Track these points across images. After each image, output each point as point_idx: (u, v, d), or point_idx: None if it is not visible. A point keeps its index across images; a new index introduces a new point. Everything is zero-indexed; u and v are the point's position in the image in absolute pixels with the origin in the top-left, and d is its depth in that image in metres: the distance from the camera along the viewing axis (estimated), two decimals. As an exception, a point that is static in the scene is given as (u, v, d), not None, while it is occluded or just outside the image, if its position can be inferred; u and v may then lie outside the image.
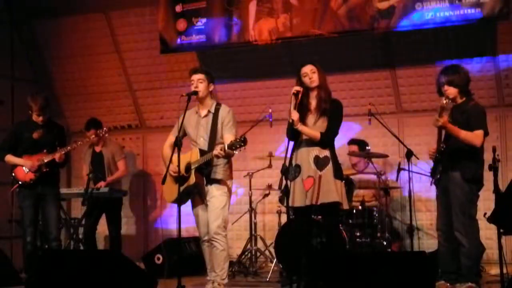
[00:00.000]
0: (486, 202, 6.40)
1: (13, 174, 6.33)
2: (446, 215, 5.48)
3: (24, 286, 6.09)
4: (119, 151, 7.93)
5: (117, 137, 9.07)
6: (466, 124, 5.34)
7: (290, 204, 5.21)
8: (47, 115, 6.38)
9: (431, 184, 5.67)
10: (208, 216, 5.51)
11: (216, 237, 5.47)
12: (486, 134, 5.39)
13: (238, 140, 5.13)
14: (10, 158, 6.34)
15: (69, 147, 6.46)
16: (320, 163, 5.21)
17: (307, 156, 5.24)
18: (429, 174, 5.75)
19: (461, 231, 5.33)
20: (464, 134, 5.29)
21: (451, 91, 5.41)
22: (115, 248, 7.69)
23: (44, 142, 6.32)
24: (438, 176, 5.55)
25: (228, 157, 5.48)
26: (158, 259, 7.36)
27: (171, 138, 5.63)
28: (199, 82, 5.55)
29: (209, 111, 5.59)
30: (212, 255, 5.57)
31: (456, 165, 5.38)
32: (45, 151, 6.28)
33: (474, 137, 5.29)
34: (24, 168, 6.33)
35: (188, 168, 5.45)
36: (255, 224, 7.45)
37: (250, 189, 7.48)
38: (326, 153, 5.24)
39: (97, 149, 7.83)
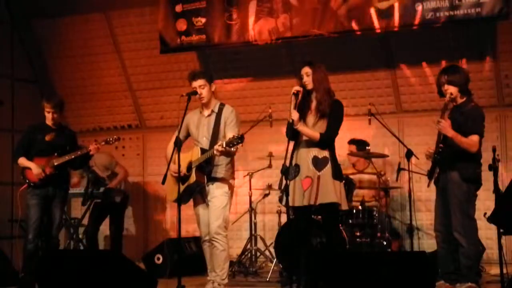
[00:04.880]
0: (486, 202, 6.41)
1: (24, 174, 6.37)
2: (444, 216, 5.48)
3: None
4: (108, 162, 7.88)
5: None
6: (464, 125, 5.35)
7: (289, 204, 5.20)
8: (58, 114, 6.41)
9: (428, 186, 5.66)
10: (209, 216, 5.52)
11: (217, 237, 5.47)
12: (481, 137, 5.41)
13: (235, 137, 5.14)
14: (22, 161, 6.41)
15: (102, 142, 6.46)
16: (319, 163, 5.20)
17: (306, 156, 5.23)
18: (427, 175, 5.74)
19: (460, 231, 5.32)
20: (462, 142, 5.29)
21: (451, 90, 5.42)
22: (116, 248, 7.71)
23: (56, 145, 6.37)
24: (436, 176, 5.56)
25: (229, 155, 5.49)
26: (158, 259, 7.36)
27: (175, 137, 5.64)
28: (201, 89, 5.56)
29: (212, 111, 5.61)
30: (212, 255, 5.57)
31: (454, 165, 5.38)
32: (56, 154, 6.32)
33: (472, 144, 5.30)
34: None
35: (189, 167, 5.46)
36: (255, 224, 7.46)
37: (250, 189, 7.48)
38: (325, 153, 5.23)
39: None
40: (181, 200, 5.29)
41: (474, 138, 5.32)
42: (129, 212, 8.85)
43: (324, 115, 5.20)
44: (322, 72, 5.30)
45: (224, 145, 5.17)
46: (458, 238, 5.33)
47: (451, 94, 5.40)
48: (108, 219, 7.91)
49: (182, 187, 5.34)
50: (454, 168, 5.38)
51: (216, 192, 5.51)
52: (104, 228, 8.12)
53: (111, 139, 6.59)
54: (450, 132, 5.28)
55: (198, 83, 5.56)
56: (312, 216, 5.63)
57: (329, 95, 5.28)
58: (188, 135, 5.75)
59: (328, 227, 5.44)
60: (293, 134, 5.24)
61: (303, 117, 5.24)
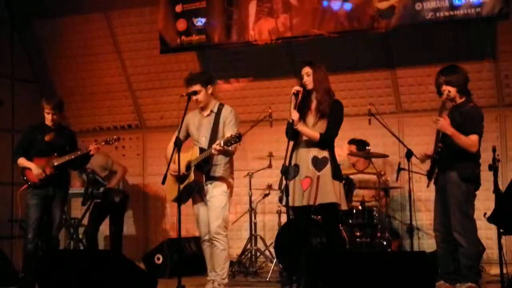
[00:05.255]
0: (486, 202, 6.41)
1: (24, 174, 6.38)
2: (443, 216, 5.47)
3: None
4: (105, 162, 7.86)
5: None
6: (463, 125, 5.34)
7: (289, 204, 5.20)
8: (58, 115, 6.41)
9: (427, 186, 5.66)
10: (208, 215, 5.52)
11: (217, 237, 5.48)
12: (480, 137, 5.40)
13: (233, 136, 5.15)
14: (22, 161, 6.41)
15: (102, 142, 6.49)
16: (318, 163, 5.20)
17: (305, 156, 5.23)
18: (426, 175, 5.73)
19: (459, 231, 5.32)
20: (461, 140, 5.28)
21: (450, 90, 5.42)
22: (116, 248, 7.71)
23: (55, 145, 6.37)
24: (435, 176, 5.55)
25: (227, 154, 5.50)
26: (158, 259, 7.37)
27: (175, 137, 5.64)
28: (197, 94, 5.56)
29: (211, 111, 5.62)
30: (212, 254, 5.57)
31: (453, 165, 5.37)
32: (55, 154, 6.32)
33: (471, 144, 5.30)
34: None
35: (188, 166, 5.47)
36: (255, 224, 7.46)
37: (250, 189, 7.48)
38: (325, 153, 5.23)
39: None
40: (180, 199, 5.29)
41: (474, 137, 5.32)
42: (129, 212, 8.85)
43: (324, 115, 5.20)
44: (322, 72, 5.30)
45: (222, 144, 5.18)
46: (457, 238, 5.33)
47: (449, 92, 5.41)
48: (108, 219, 7.91)
49: (181, 187, 5.34)
50: (453, 168, 5.38)
51: (215, 191, 5.52)
52: (104, 228, 8.11)
53: (111, 139, 6.60)
54: (450, 130, 5.27)
55: (193, 88, 5.56)
56: (312, 216, 5.62)
57: (329, 95, 5.28)
58: (188, 135, 5.76)
59: (328, 227, 5.45)
60: (293, 134, 5.24)
61: (303, 117, 5.24)
